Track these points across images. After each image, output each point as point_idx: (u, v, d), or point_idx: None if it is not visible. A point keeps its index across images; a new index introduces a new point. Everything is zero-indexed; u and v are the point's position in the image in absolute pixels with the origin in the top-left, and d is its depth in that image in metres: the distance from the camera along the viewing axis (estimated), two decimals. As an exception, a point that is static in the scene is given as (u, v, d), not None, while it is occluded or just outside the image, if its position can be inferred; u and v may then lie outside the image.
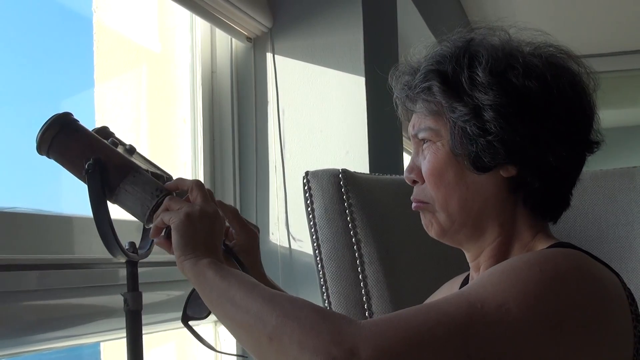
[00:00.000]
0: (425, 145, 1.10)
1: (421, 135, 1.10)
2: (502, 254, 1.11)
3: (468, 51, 1.07)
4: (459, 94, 1.05)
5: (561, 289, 0.92)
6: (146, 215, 1.12)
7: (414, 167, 1.12)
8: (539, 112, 1.03)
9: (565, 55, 1.09)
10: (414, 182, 1.13)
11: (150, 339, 1.82)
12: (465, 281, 1.25)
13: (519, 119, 1.03)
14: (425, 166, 1.10)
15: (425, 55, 1.13)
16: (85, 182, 1.12)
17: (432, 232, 1.13)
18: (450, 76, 1.06)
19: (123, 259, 1.17)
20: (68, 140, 1.12)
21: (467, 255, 1.16)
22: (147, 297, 1.25)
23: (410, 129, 1.14)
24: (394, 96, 1.16)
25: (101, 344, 1.68)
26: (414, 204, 1.13)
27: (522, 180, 1.06)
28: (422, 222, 1.14)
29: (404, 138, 2.48)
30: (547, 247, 1.06)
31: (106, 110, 1.77)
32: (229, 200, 2.01)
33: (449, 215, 1.09)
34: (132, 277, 1.18)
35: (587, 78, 1.09)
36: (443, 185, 1.08)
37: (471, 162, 1.05)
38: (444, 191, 1.08)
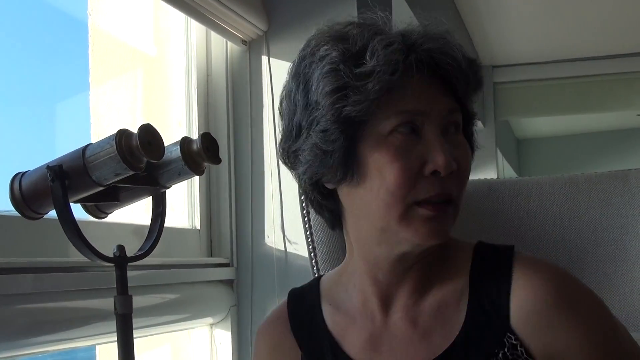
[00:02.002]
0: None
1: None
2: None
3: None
4: None
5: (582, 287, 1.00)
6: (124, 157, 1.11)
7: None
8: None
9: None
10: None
11: (146, 342, 1.82)
12: None
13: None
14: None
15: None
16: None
17: (447, 235, 0.99)
18: None
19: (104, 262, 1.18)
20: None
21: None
22: (143, 300, 1.25)
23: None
24: None
25: (97, 346, 1.68)
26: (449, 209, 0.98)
27: None
28: (441, 228, 0.97)
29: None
30: (474, 247, 1.03)
31: (101, 113, 1.77)
32: (225, 204, 2.01)
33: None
34: (121, 280, 1.18)
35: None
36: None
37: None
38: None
